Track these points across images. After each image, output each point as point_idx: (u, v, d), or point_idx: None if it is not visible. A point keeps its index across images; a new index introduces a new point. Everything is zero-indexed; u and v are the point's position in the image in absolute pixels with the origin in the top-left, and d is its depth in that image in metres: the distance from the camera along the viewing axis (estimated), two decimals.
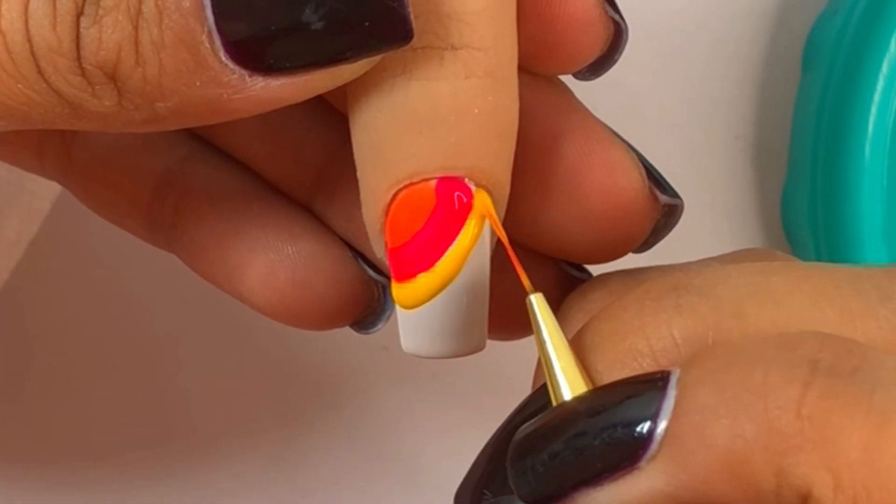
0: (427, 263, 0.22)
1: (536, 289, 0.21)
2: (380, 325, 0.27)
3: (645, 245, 0.26)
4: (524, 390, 0.22)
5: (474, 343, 0.23)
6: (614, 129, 0.25)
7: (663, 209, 0.25)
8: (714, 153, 0.37)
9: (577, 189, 0.24)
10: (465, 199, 0.22)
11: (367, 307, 0.27)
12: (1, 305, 0.34)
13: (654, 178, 0.25)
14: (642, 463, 0.18)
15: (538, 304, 0.21)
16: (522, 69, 0.24)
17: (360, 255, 0.26)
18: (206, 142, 0.27)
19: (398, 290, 0.22)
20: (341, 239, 0.26)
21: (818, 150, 0.34)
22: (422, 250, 0.22)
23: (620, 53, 0.25)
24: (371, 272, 0.26)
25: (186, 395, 0.35)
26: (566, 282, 0.26)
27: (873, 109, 0.33)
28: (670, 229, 0.26)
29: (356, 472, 0.35)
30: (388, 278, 0.26)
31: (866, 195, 0.34)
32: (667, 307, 0.20)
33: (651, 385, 0.19)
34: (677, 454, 0.18)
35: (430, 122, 0.21)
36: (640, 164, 0.25)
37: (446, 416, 0.35)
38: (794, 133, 0.36)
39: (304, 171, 0.27)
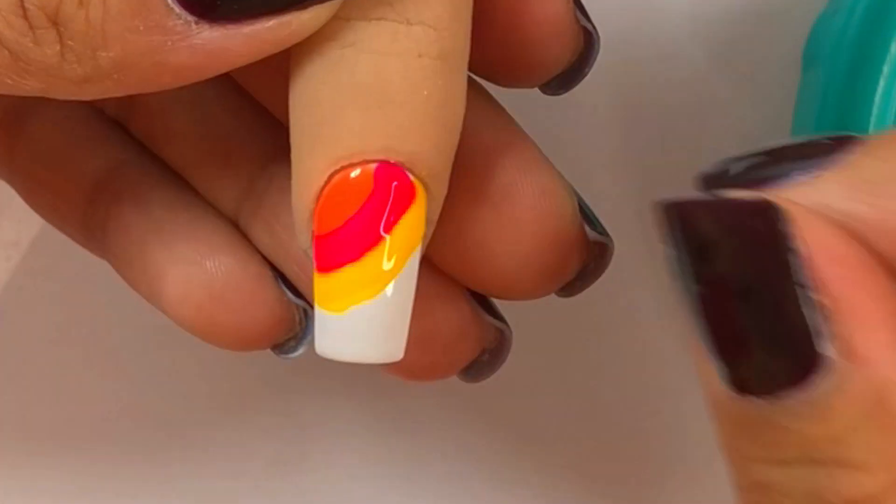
0: (355, 254, 0.21)
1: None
2: (301, 350, 0.26)
3: (570, 287, 0.25)
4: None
5: (393, 350, 0.22)
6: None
7: (593, 249, 0.24)
8: (714, 153, 0.37)
9: (508, 209, 0.23)
10: (402, 190, 0.21)
11: (288, 330, 0.26)
12: (1, 305, 0.34)
13: (585, 214, 0.24)
14: (847, 155, 0.19)
15: None
16: (486, 78, 0.23)
17: (282, 277, 0.26)
18: (144, 147, 0.27)
19: (320, 284, 0.21)
20: (264, 257, 0.26)
21: None
22: (351, 239, 0.21)
23: (591, 66, 0.24)
24: (290, 295, 0.26)
25: (186, 394, 0.35)
26: (478, 326, 0.25)
27: (874, 110, 0.33)
28: (599, 275, 0.25)
29: (356, 473, 0.35)
30: (309, 302, 0.25)
31: None
32: None
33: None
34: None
35: (376, 98, 0.20)
36: (573, 194, 0.24)
37: (446, 415, 0.35)
38: (794, 133, 0.36)
39: (233, 183, 0.26)
